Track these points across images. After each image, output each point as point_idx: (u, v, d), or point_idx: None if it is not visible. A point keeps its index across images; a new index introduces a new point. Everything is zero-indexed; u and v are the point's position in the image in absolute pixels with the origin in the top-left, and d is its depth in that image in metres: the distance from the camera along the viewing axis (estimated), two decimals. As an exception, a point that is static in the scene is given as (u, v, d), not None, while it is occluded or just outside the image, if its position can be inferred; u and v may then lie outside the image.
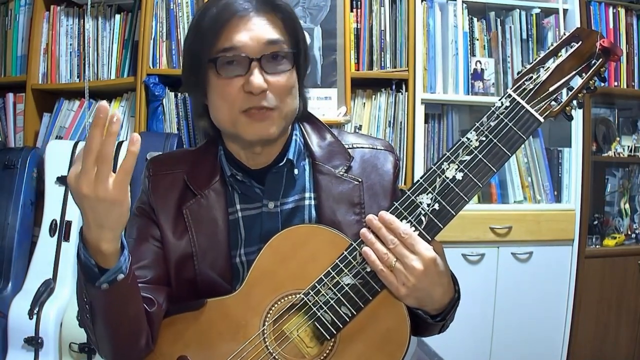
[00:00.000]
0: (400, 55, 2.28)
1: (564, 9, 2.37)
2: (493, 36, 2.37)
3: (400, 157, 2.10)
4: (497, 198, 2.33)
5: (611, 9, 2.49)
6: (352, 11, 2.24)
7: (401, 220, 0.85)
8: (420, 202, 0.85)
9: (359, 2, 2.26)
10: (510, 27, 2.37)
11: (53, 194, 2.11)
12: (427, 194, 0.85)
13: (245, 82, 0.88)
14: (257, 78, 0.87)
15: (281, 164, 0.98)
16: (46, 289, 2.01)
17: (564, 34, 0.87)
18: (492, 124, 0.84)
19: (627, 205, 2.66)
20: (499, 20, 2.37)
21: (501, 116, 0.84)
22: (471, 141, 0.85)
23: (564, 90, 0.87)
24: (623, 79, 2.50)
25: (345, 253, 0.87)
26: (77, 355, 1.94)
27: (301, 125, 1.04)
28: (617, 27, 2.49)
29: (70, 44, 2.32)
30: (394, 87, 2.26)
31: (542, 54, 0.87)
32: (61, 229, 2.08)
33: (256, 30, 0.89)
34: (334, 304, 0.85)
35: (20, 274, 2.08)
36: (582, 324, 2.36)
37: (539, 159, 2.35)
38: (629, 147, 2.60)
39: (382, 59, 2.27)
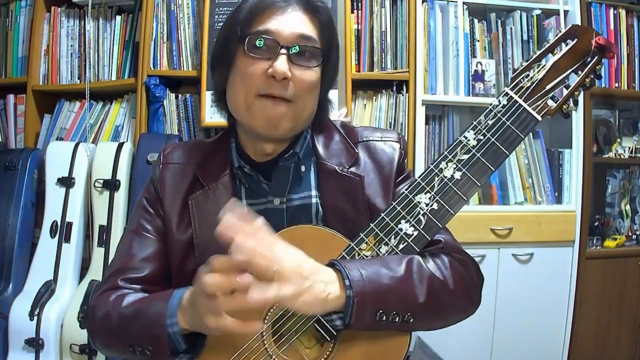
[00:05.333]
0: (401, 57, 2.28)
1: (564, 10, 2.37)
2: (494, 37, 2.37)
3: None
4: (497, 199, 2.33)
5: (612, 10, 2.48)
6: (352, 12, 2.24)
7: (400, 220, 0.85)
8: (418, 202, 0.85)
9: (359, 4, 2.26)
10: (511, 28, 2.37)
11: (54, 195, 2.11)
12: (425, 194, 0.84)
13: (269, 67, 0.89)
14: (281, 64, 0.88)
15: (287, 155, 0.98)
16: (47, 290, 2.01)
17: (559, 32, 0.88)
18: (490, 122, 0.84)
19: (627, 207, 2.65)
20: (499, 21, 2.37)
21: (499, 115, 0.84)
22: (469, 140, 0.84)
23: (562, 89, 0.87)
24: (624, 80, 2.50)
25: (344, 253, 0.86)
26: (78, 357, 1.94)
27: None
28: (618, 28, 2.49)
29: (71, 45, 2.32)
30: (394, 88, 2.26)
31: (538, 52, 0.87)
32: (62, 230, 2.08)
33: (292, 22, 0.91)
34: None
35: (21, 275, 2.08)
36: (583, 325, 2.35)
37: (539, 160, 2.35)
38: (629, 148, 2.60)
39: (383, 60, 2.27)
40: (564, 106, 0.86)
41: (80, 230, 2.11)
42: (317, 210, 0.97)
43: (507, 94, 0.85)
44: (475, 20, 2.34)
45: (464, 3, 2.31)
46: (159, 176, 1.01)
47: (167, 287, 0.98)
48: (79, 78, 2.31)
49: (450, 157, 0.84)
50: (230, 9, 2.14)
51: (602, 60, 0.86)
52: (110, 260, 2.01)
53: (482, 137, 0.84)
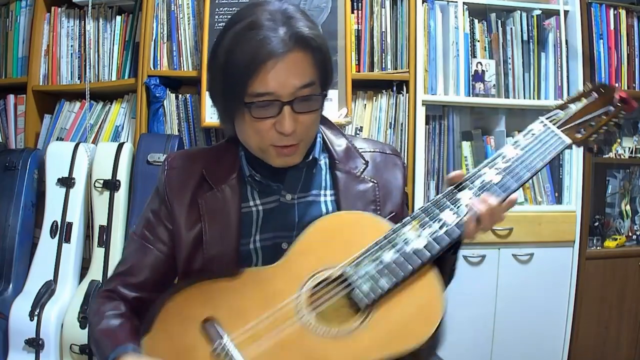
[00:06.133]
0: (401, 57, 2.28)
1: (564, 11, 2.37)
2: (494, 37, 2.37)
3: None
4: (498, 199, 2.33)
5: (612, 10, 2.48)
6: (352, 13, 2.24)
7: (444, 209, 0.96)
8: (461, 197, 0.97)
9: (359, 4, 2.26)
10: (511, 28, 2.37)
11: (54, 195, 2.11)
12: (468, 190, 0.98)
13: (277, 122, 0.94)
14: (288, 122, 0.93)
15: (307, 160, 1.04)
16: (47, 291, 2.01)
17: (588, 86, 1.07)
18: (528, 141, 1.02)
19: (627, 207, 2.65)
20: (499, 21, 2.37)
21: (535, 134, 1.02)
22: (509, 152, 1.00)
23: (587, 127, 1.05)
24: (624, 81, 2.50)
25: (388, 233, 0.94)
26: (78, 357, 1.94)
27: (320, 126, 1.10)
28: (618, 28, 2.49)
29: (71, 46, 2.32)
30: (394, 88, 2.26)
31: (571, 97, 1.07)
32: (62, 231, 2.08)
33: (290, 74, 0.91)
34: (373, 275, 0.90)
35: (21, 275, 2.08)
36: (583, 325, 2.35)
37: (539, 161, 2.35)
38: (629, 148, 2.60)
39: (383, 61, 2.27)
40: (590, 139, 1.04)
41: (81, 231, 2.11)
42: (327, 207, 1.04)
43: (542, 121, 1.04)
44: (476, 21, 2.34)
45: (464, 3, 2.31)
46: (164, 181, 1.06)
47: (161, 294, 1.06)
48: (79, 78, 2.31)
49: (491, 163, 0.99)
50: (230, 9, 2.15)
51: (622, 111, 1.06)
52: (110, 261, 2.03)
53: (520, 152, 1.00)
